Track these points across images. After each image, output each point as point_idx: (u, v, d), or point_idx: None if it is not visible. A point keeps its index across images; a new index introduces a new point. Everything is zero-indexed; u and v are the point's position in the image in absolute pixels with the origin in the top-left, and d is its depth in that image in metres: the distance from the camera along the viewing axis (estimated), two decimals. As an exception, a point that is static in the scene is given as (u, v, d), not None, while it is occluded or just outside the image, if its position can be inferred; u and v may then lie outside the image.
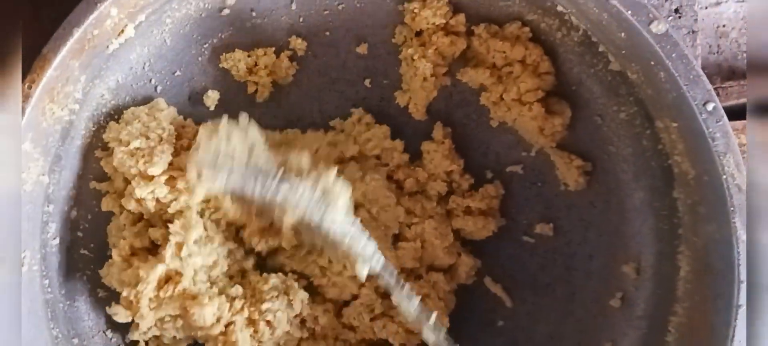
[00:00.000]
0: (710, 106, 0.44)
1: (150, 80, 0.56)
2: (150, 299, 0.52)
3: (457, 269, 0.59)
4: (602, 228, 0.55)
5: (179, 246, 0.52)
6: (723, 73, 0.75)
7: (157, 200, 0.53)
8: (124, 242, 0.54)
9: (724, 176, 0.44)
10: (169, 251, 0.52)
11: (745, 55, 0.76)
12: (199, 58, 0.57)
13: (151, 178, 0.52)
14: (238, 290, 0.54)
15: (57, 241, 0.54)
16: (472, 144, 0.59)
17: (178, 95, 0.57)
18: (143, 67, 0.55)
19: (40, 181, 0.51)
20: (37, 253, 0.52)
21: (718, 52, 0.75)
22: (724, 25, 0.73)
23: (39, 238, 0.52)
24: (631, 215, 0.53)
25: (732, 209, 0.44)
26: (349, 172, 0.56)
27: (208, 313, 0.52)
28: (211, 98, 0.57)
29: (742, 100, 0.68)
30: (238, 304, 0.53)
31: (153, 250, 0.55)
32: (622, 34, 0.47)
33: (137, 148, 0.52)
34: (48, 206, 0.53)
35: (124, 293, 0.53)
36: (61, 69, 0.47)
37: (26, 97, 0.46)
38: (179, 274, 0.53)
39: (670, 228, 0.50)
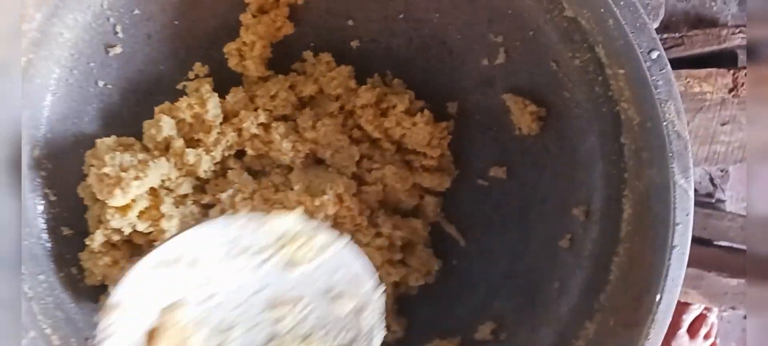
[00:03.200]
0: (654, 55, 0.45)
1: (108, 19, 0.56)
2: None
3: (424, 209, 0.61)
4: (555, 172, 0.57)
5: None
6: (690, 22, 0.76)
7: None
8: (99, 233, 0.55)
9: (665, 123, 0.46)
10: None
11: (712, 3, 0.77)
12: (158, -3, 0.57)
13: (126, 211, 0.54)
14: None
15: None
16: (433, 87, 0.60)
17: (137, 35, 0.57)
18: (102, 6, 0.55)
19: None
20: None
21: (685, 0, 0.75)
22: (693, -28, 0.74)
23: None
24: (582, 160, 0.54)
25: (671, 154, 0.46)
26: (302, 119, 0.57)
27: None
28: (171, 39, 0.58)
29: (707, 49, 0.69)
30: None
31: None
32: (574, -21, 0.47)
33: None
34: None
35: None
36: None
37: (-22, 36, 0.46)
38: None
39: (617, 173, 0.52)
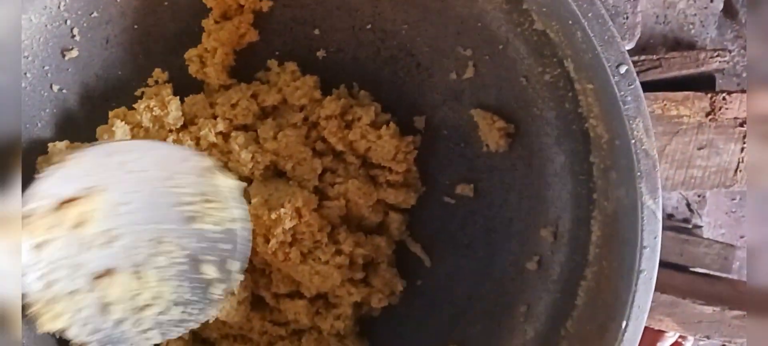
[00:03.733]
0: (623, 69, 0.44)
1: (65, 21, 0.54)
2: None
3: (389, 227, 0.59)
4: (523, 191, 0.55)
5: None
6: (668, 44, 0.75)
7: None
8: None
9: (633, 141, 0.44)
10: None
11: (691, 26, 0.76)
12: (118, 0, 0.55)
13: None
14: None
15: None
16: (400, 100, 0.58)
17: (94, 39, 0.55)
18: (58, 7, 0.53)
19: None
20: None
21: (664, 22, 0.75)
22: (672, -5, 0.73)
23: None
24: (551, 179, 0.53)
25: (639, 173, 0.44)
26: (263, 130, 0.55)
27: None
28: (129, 42, 0.56)
29: (684, 72, 0.68)
30: None
31: None
32: (542, -9, 0.46)
33: None
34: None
35: None
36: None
37: None
38: None
39: (586, 193, 0.50)
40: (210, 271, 0.50)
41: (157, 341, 0.51)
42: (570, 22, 0.45)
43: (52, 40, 0.54)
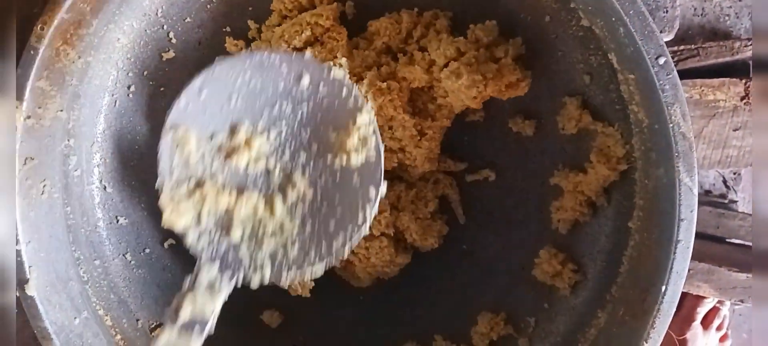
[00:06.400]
0: (662, 60, 0.48)
1: (162, 26, 0.61)
2: None
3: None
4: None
5: None
6: (705, 35, 0.79)
7: None
8: None
9: (671, 125, 0.49)
10: None
11: (726, 18, 0.80)
12: (209, 6, 0.61)
13: None
14: None
15: (78, 172, 0.59)
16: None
17: (188, 41, 0.62)
18: (156, 14, 0.60)
19: (58, 116, 0.55)
20: (57, 183, 0.56)
21: (702, 14, 0.79)
22: (709, -11, 0.77)
23: (60, 169, 0.57)
24: (598, 161, 0.58)
25: (677, 154, 0.49)
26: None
27: None
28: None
29: (720, 60, 0.72)
30: None
31: None
32: (588, -9, 0.51)
33: None
34: (69, 140, 0.57)
35: None
36: (73, 12, 0.51)
37: (39, 38, 0.50)
38: None
39: (629, 172, 0.55)
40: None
41: (268, 281, 0.49)
42: (613, 19, 0.50)
43: (151, 43, 0.61)
